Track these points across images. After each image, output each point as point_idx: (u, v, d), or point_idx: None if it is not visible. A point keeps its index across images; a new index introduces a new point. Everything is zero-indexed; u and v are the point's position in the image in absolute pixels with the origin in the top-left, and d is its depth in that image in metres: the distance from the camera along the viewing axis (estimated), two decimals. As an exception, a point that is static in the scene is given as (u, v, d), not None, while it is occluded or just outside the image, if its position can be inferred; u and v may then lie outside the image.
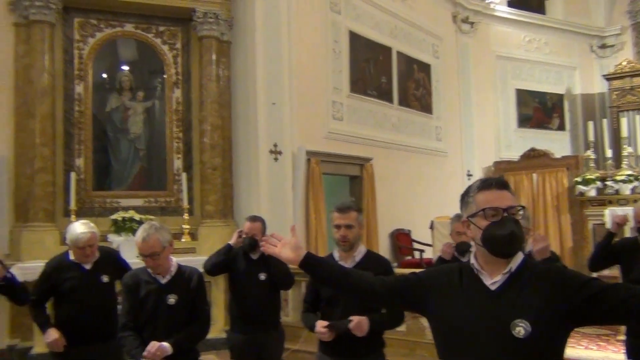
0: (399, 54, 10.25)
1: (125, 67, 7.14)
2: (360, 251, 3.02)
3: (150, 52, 7.19)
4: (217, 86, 7.14)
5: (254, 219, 4.12)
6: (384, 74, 9.86)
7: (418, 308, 2.01)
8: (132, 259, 5.64)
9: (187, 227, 6.73)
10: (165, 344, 2.94)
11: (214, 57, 7.11)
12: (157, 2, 6.91)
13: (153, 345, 2.90)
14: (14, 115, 6.35)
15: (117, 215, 6.34)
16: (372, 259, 3.02)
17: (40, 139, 6.26)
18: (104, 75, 7.00)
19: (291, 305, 6.27)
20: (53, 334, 3.52)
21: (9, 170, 6.25)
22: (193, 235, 6.83)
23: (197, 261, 4.48)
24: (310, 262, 2.09)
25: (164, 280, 3.09)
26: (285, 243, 2.11)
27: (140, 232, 3.02)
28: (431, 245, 8.83)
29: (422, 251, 9.45)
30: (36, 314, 3.66)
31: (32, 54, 6.32)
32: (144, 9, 6.98)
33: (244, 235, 4.03)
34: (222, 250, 4.09)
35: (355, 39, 9.21)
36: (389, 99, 9.98)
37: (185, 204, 6.83)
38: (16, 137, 6.34)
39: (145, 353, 2.89)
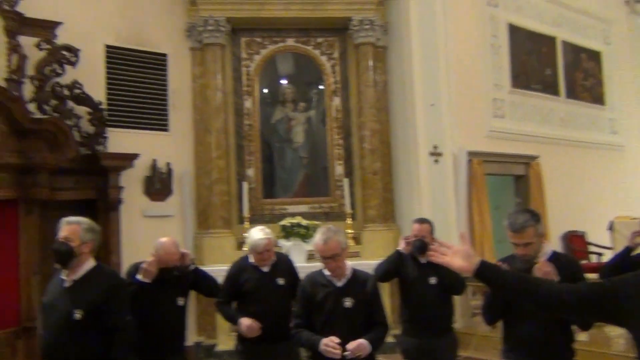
0: (565, 43, 9.55)
1: (284, 81, 7.53)
2: (545, 253, 2.83)
3: (308, 63, 7.48)
4: (374, 92, 7.21)
5: (422, 221, 4.07)
6: (548, 65, 9.25)
7: (616, 320, 1.83)
8: (301, 262, 5.92)
9: (351, 231, 6.85)
10: (365, 341, 2.99)
11: (370, 63, 7.20)
12: (315, 15, 7.17)
13: (353, 342, 2.96)
14: (193, 131, 6.99)
15: (286, 221, 6.65)
16: (559, 261, 2.80)
17: (216, 152, 6.82)
18: (267, 90, 7.43)
19: (459, 311, 6.09)
20: (246, 320, 3.66)
21: (190, 182, 6.89)
22: (356, 240, 6.94)
23: (362, 265, 4.53)
24: (485, 271, 1.99)
25: (339, 284, 3.15)
26: (457, 251, 2.04)
27: (320, 235, 3.11)
28: (611, 248, 8.06)
29: (599, 254, 8.66)
30: (225, 310, 3.90)
31: (207, 74, 6.92)
32: (303, 23, 7.29)
33: (412, 239, 4.00)
34: (392, 257, 4.09)
35: (515, 32, 8.75)
36: (555, 92, 9.32)
37: (348, 209, 6.98)
38: (196, 152, 6.97)
39: (349, 348, 2.95)
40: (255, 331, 3.66)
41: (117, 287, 3.19)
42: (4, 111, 5.16)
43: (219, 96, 6.92)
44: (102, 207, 5.96)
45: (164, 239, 3.66)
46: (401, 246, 4.06)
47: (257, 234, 3.86)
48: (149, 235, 6.41)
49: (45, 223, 5.59)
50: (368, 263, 4.41)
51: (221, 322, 6.13)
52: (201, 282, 3.89)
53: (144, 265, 3.54)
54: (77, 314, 2.96)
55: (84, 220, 3.23)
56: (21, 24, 5.51)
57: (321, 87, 7.49)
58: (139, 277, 3.51)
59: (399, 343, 4.18)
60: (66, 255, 3.05)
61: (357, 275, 3.22)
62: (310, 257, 6.30)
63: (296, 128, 7.42)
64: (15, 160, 5.22)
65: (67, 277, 3.10)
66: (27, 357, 5.18)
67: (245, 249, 6.11)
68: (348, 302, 3.10)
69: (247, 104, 7.21)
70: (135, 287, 3.47)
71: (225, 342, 6.16)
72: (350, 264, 3.26)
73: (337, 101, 7.42)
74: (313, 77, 7.54)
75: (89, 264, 3.13)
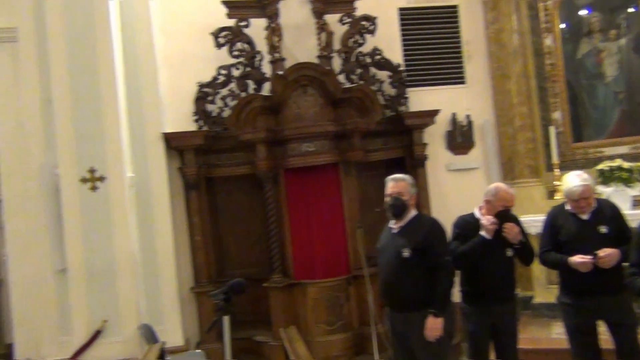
0: None
1: (584, 11, 6.69)
2: None
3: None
4: None
5: None
6: None
7: None
8: (625, 209, 5.29)
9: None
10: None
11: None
12: None
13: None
14: (491, 80, 6.79)
15: (603, 165, 6.02)
16: None
17: (517, 98, 6.52)
18: (566, 24, 6.72)
19: None
20: (577, 257, 3.51)
21: (492, 133, 6.73)
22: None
23: None
24: None
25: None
26: None
27: None
28: None
29: None
30: (550, 257, 3.75)
31: (500, 18, 6.61)
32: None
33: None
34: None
35: None
36: None
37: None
38: (495, 101, 6.76)
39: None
40: (588, 266, 3.47)
41: (437, 231, 3.59)
42: (320, 85, 5.80)
43: (516, 39, 6.55)
44: (409, 164, 6.27)
45: (495, 185, 3.86)
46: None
47: (573, 180, 3.62)
48: (454, 188, 6.57)
49: (362, 182, 6.18)
50: None
51: (537, 274, 5.92)
52: None
53: (483, 221, 3.68)
54: (405, 252, 3.46)
55: (407, 176, 3.73)
56: (325, 4, 6.08)
57: (631, 9, 6.47)
58: (482, 233, 3.66)
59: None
60: (401, 208, 3.58)
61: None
62: (637, 203, 5.61)
63: (608, 60, 6.57)
64: (332, 128, 5.84)
65: (394, 226, 3.63)
66: (358, 302, 5.83)
67: (557, 197, 5.77)
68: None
69: (547, 41, 6.65)
70: (478, 240, 3.67)
71: (543, 294, 5.94)
72: None
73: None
74: (619, 1, 6.56)
75: (412, 213, 3.64)
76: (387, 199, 3.59)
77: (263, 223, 6.17)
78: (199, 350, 5.58)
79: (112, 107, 5.31)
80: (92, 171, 5.26)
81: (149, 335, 5.28)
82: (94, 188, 5.27)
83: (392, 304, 3.64)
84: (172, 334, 5.64)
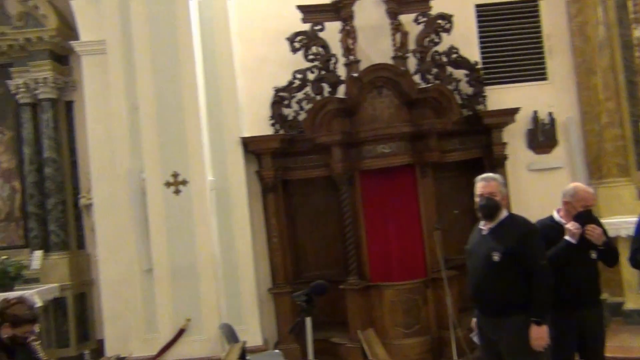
0: None
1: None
2: None
3: None
4: None
5: None
6: None
7: None
8: None
9: None
10: None
11: None
12: None
13: None
14: (574, 75, 6.49)
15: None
16: None
17: (604, 93, 6.19)
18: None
19: None
20: None
21: (577, 131, 6.43)
22: None
23: None
24: None
25: None
26: None
27: None
28: None
29: None
30: None
31: (585, 9, 6.30)
32: None
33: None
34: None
35: None
36: None
37: None
38: (579, 97, 6.46)
39: None
40: None
41: (532, 234, 3.41)
42: (395, 86, 5.76)
43: (602, 31, 6.21)
44: (488, 164, 6.09)
45: (574, 185, 3.70)
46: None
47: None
48: (536, 189, 6.33)
49: (438, 183, 6.08)
50: None
51: (628, 278, 5.61)
52: None
53: (569, 226, 3.52)
54: (495, 256, 3.32)
55: (498, 176, 3.61)
56: (400, 4, 6.03)
57: None
58: (567, 238, 3.52)
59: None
60: (494, 209, 3.43)
61: None
62: None
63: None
64: (408, 129, 5.78)
65: (484, 227, 3.49)
66: (436, 305, 5.73)
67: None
68: None
69: (637, 33, 6.27)
70: (563, 245, 3.52)
71: (635, 300, 5.63)
72: None
73: None
74: None
75: (504, 214, 3.48)
76: (478, 200, 3.47)
77: (339, 225, 6.19)
78: (277, 351, 5.67)
79: (194, 114, 5.51)
80: (175, 175, 5.48)
81: (230, 334, 5.42)
82: (177, 191, 5.48)
83: (481, 308, 3.54)
84: (251, 333, 5.76)
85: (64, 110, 7.04)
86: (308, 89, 6.22)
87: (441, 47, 6.21)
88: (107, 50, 5.86)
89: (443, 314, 5.50)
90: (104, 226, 6.09)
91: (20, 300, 3.99)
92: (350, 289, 5.82)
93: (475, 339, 3.61)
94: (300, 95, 6.26)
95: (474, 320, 3.61)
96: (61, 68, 6.94)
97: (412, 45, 6.10)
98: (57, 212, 6.77)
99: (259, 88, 6.28)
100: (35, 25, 6.69)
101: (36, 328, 3.99)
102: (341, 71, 6.13)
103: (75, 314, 6.76)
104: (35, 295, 6.13)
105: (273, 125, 6.28)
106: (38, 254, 6.68)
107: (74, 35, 6.46)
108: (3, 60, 6.89)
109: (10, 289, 6.28)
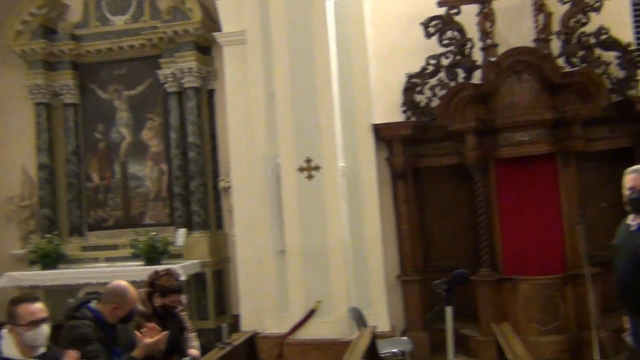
0: None
1: None
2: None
3: None
4: None
5: None
6: None
7: None
8: None
9: None
10: None
11: None
12: None
13: None
14: None
15: None
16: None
17: None
18: None
19: None
20: None
21: None
22: None
23: None
24: None
25: None
26: None
27: None
28: None
29: None
30: None
31: None
32: None
33: None
34: None
35: None
36: None
37: None
38: None
39: None
40: None
41: None
42: (536, 70, 5.46)
43: None
44: (639, 154, 5.60)
45: None
46: None
47: None
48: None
49: (582, 174, 5.69)
50: None
51: None
52: None
53: None
54: None
55: None
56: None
57: None
58: None
59: None
60: None
61: None
62: None
63: None
64: (550, 116, 5.46)
65: (633, 222, 3.28)
66: (576, 303, 5.40)
67: None
68: None
69: None
70: None
71: None
72: None
73: None
74: None
75: None
76: (628, 193, 3.24)
77: (470, 215, 6.04)
78: (406, 338, 5.67)
79: (327, 101, 5.62)
80: (308, 161, 5.63)
81: (359, 318, 5.51)
82: (310, 177, 5.64)
83: (628, 306, 3.30)
84: (379, 319, 5.80)
85: (206, 98, 7.50)
86: (442, 74, 6.09)
87: (589, 28, 5.77)
88: (246, 41, 6.14)
89: (583, 313, 5.21)
90: (241, 208, 6.41)
91: (169, 272, 4.34)
92: (482, 280, 5.66)
93: (629, 339, 3.37)
94: (433, 81, 6.14)
95: (627, 319, 3.38)
96: (204, 58, 7.38)
97: (555, 26, 5.73)
98: (199, 193, 7.25)
99: (391, 75, 6.25)
100: (182, 18, 7.15)
101: (183, 299, 4.33)
102: (477, 56, 5.94)
103: (214, 289, 7.21)
104: (180, 270, 6.62)
105: (405, 112, 6.23)
106: (182, 231, 7.21)
107: (217, 27, 6.82)
108: (154, 52, 7.47)
109: (158, 263, 6.85)
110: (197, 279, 7.08)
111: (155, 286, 4.26)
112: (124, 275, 6.68)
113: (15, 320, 3.13)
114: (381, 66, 6.30)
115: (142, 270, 6.64)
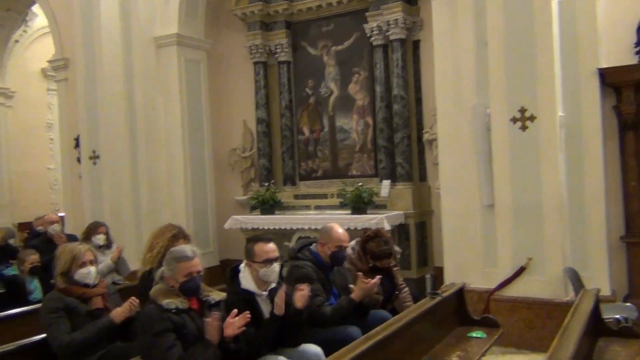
0: None
1: None
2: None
3: None
4: None
5: None
6: None
7: None
8: None
9: None
10: None
11: None
12: None
13: None
14: None
15: None
16: None
17: None
18: None
19: None
20: None
21: None
22: None
23: None
24: None
25: None
26: None
27: None
28: None
29: None
30: None
31: None
32: None
33: None
34: None
35: None
36: None
37: None
38: None
39: None
40: None
41: None
42: None
43: None
44: None
45: None
46: None
47: None
48: None
49: None
50: None
51: None
52: None
53: None
54: None
55: None
56: None
57: None
58: None
59: None
60: None
61: None
62: None
63: None
64: None
65: None
66: None
67: None
68: None
69: None
70: None
71: None
72: None
73: None
74: None
75: None
76: None
77: None
78: (629, 304, 5.17)
79: (547, 46, 5.18)
80: (522, 111, 5.29)
81: (575, 279, 5.14)
82: (523, 127, 5.30)
83: None
84: (598, 282, 5.31)
85: (412, 49, 7.43)
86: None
87: None
88: (456, -14, 5.88)
89: None
90: (447, 160, 6.29)
91: (377, 235, 4.46)
92: None
93: None
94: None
95: None
96: (410, 9, 7.28)
97: None
98: (403, 145, 7.31)
99: (622, 12, 5.53)
100: (388, -31, 7.12)
101: (392, 261, 4.45)
102: None
103: (416, 240, 7.30)
104: (385, 220, 6.81)
105: (638, 53, 5.48)
106: (386, 183, 7.37)
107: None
108: (360, 6, 7.58)
109: (364, 212, 7.12)
110: (400, 229, 7.22)
111: (366, 250, 4.45)
112: (332, 222, 7.09)
113: (252, 257, 3.51)
114: (610, 3, 5.60)
115: (349, 219, 7.00)
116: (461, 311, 4.62)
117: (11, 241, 8.05)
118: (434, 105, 6.53)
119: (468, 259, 5.96)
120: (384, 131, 7.45)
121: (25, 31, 12.35)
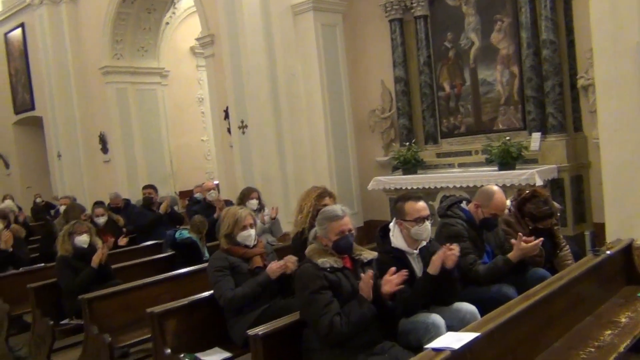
0: None
1: None
2: None
3: None
4: None
5: None
6: None
7: None
8: None
9: None
10: None
11: None
12: None
13: None
14: None
15: None
16: None
17: None
18: None
19: None
20: None
21: None
22: None
23: None
24: None
25: None
26: None
27: None
28: None
29: None
30: None
31: None
32: None
33: None
34: None
35: None
36: None
37: None
38: None
39: None
40: None
41: None
42: None
43: None
44: None
45: None
46: None
47: None
48: None
49: None
50: None
51: None
52: None
53: None
54: None
55: None
56: None
57: None
58: None
59: None
60: None
61: None
62: None
63: None
64: None
65: None
66: None
67: None
68: None
69: None
70: None
71: None
72: None
73: None
74: None
75: None
76: None
77: None
78: None
79: None
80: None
81: None
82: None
83: None
84: None
85: (561, -11, 6.81)
86: None
87: None
88: None
89: None
90: (606, 107, 5.72)
91: (534, 195, 4.23)
92: None
93: None
94: None
95: None
96: (557, -57, 6.66)
97: None
98: (554, 94, 6.79)
99: None
100: None
101: (553, 220, 4.20)
102: None
103: (572, 195, 6.82)
104: (536, 175, 6.44)
105: None
106: (536, 135, 6.92)
107: None
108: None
109: (512, 168, 6.78)
110: (553, 184, 6.78)
111: (524, 212, 4.24)
112: (478, 179, 6.86)
113: (403, 215, 3.51)
114: None
115: (497, 175, 6.72)
116: (629, 269, 4.28)
117: (175, 208, 8.84)
118: (590, 47, 5.95)
119: (634, 213, 5.45)
120: (532, 80, 6.96)
121: (174, 13, 13.28)
